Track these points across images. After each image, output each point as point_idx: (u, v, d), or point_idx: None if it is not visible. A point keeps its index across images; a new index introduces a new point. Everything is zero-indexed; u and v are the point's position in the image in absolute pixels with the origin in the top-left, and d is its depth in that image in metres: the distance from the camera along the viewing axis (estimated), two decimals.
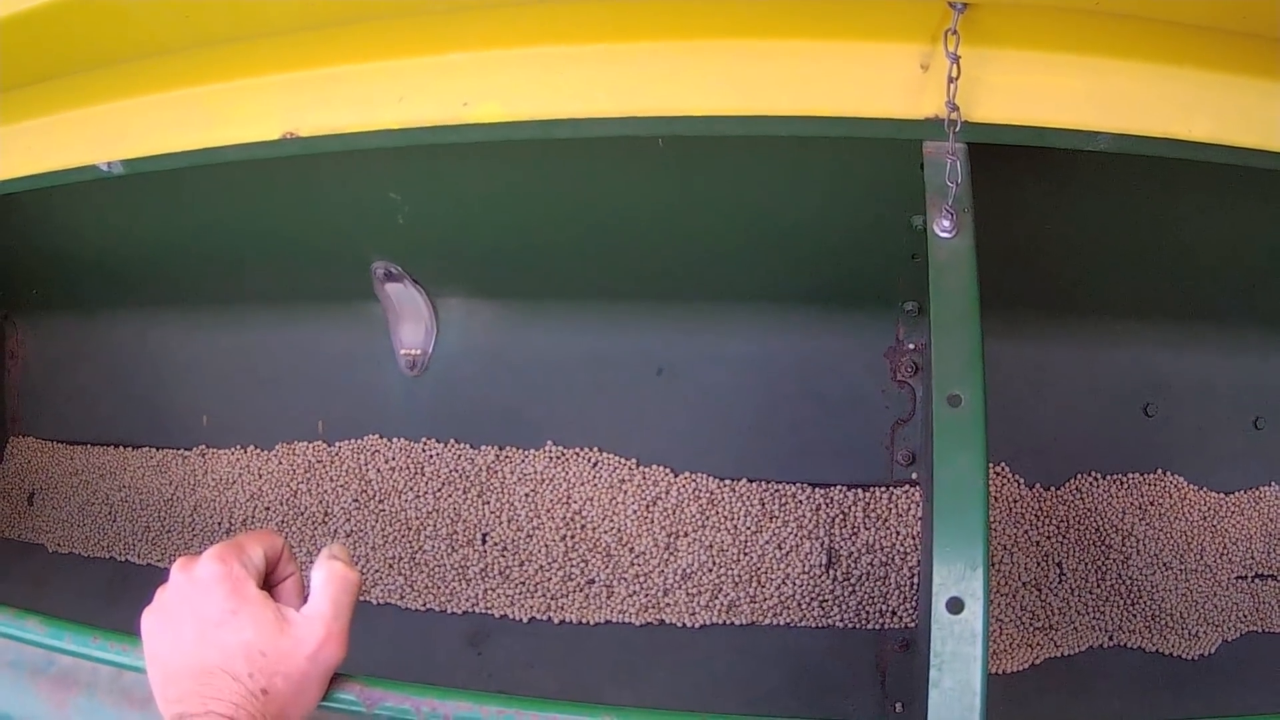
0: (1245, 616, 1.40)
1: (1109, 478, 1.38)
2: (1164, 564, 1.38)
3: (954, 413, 0.92)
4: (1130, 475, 1.39)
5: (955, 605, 0.82)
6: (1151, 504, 1.39)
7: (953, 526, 0.84)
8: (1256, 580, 1.42)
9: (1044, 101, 1.09)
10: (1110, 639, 1.36)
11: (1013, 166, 1.22)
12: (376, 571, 1.40)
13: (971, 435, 0.90)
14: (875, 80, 1.07)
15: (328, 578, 0.71)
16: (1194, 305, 1.40)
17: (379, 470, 1.41)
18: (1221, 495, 1.42)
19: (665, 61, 1.10)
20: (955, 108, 1.02)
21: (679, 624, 1.33)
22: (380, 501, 1.40)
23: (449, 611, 1.37)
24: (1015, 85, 1.08)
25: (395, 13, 1.12)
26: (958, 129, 1.03)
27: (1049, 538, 1.36)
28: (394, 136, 1.14)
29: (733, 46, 1.09)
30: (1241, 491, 1.43)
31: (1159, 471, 1.40)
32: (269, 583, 0.71)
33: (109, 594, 1.53)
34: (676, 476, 1.35)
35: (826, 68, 1.08)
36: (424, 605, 1.38)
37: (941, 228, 1.01)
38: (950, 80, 1.01)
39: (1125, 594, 1.37)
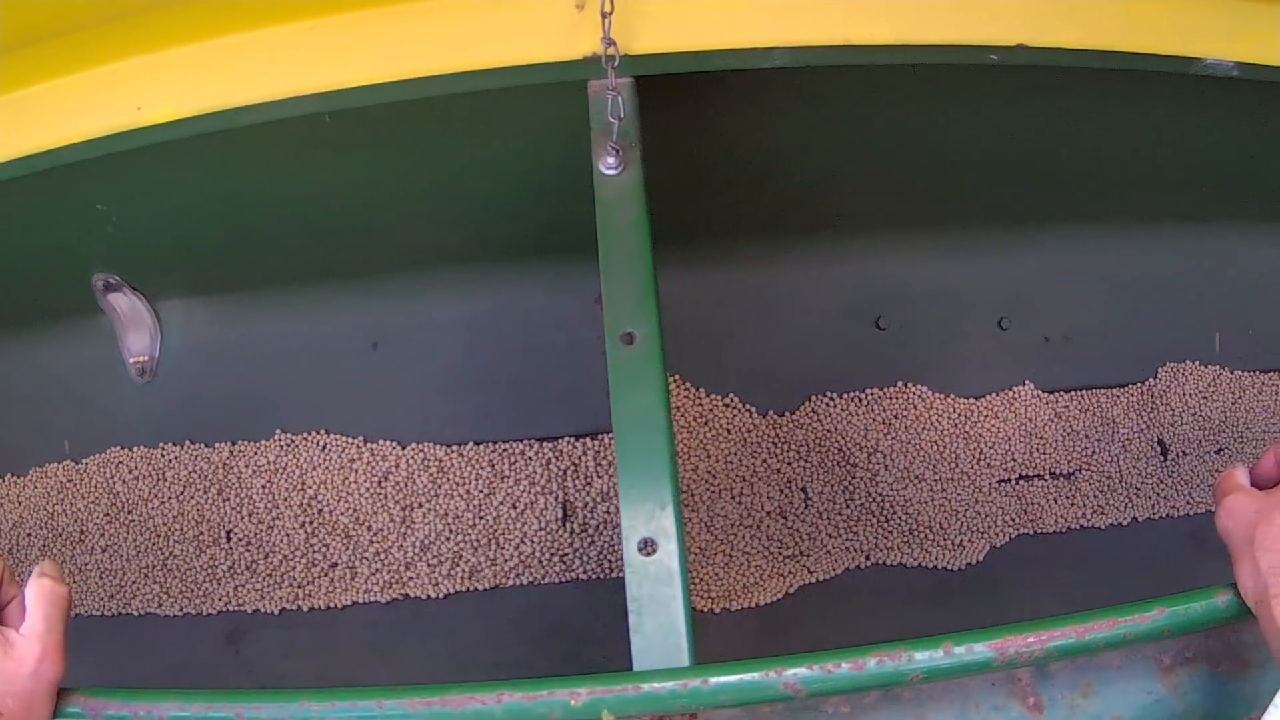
0: (1013, 520, 1.38)
1: (846, 396, 1.36)
2: (916, 477, 1.35)
3: (628, 350, 0.90)
4: (869, 391, 1.36)
5: (648, 546, 0.81)
6: (895, 417, 1.36)
7: (637, 467, 0.82)
8: (1021, 482, 1.39)
9: (710, 24, 1.07)
10: (867, 559, 1.34)
11: (702, 95, 1.20)
12: (134, 583, 1.38)
13: (648, 372, 0.88)
14: (534, 26, 1.06)
15: (37, 595, 0.73)
16: (921, 213, 1.38)
17: (125, 481, 1.40)
18: (971, 400, 1.39)
19: (323, 38, 1.09)
20: (612, 43, 1.01)
21: (424, 596, 1.31)
22: (129, 512, 1.39)
23: (204, 613, 1.36)
24: (677, 12, 1.07)
25: (65, 30, 1.12)
26: (615, 64, 1.01)
27: (789, 464, 1.34)
28: (82, 150, 1.14)
29: (390, 13, 1.08)
30: (994, 394, 1.40)
31: (899, 384, 1.37)
32: None
33: None
34: (404, 449, 1.33)
35: (484, 20, 1.07)
36: (181, 610, 1.36)
37: (607, 165, 1.00)
38: (604, 15, 1.00)
39: (878, 512, 1.34)
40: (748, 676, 0.70)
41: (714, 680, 0.70)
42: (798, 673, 0.70)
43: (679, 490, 0.83)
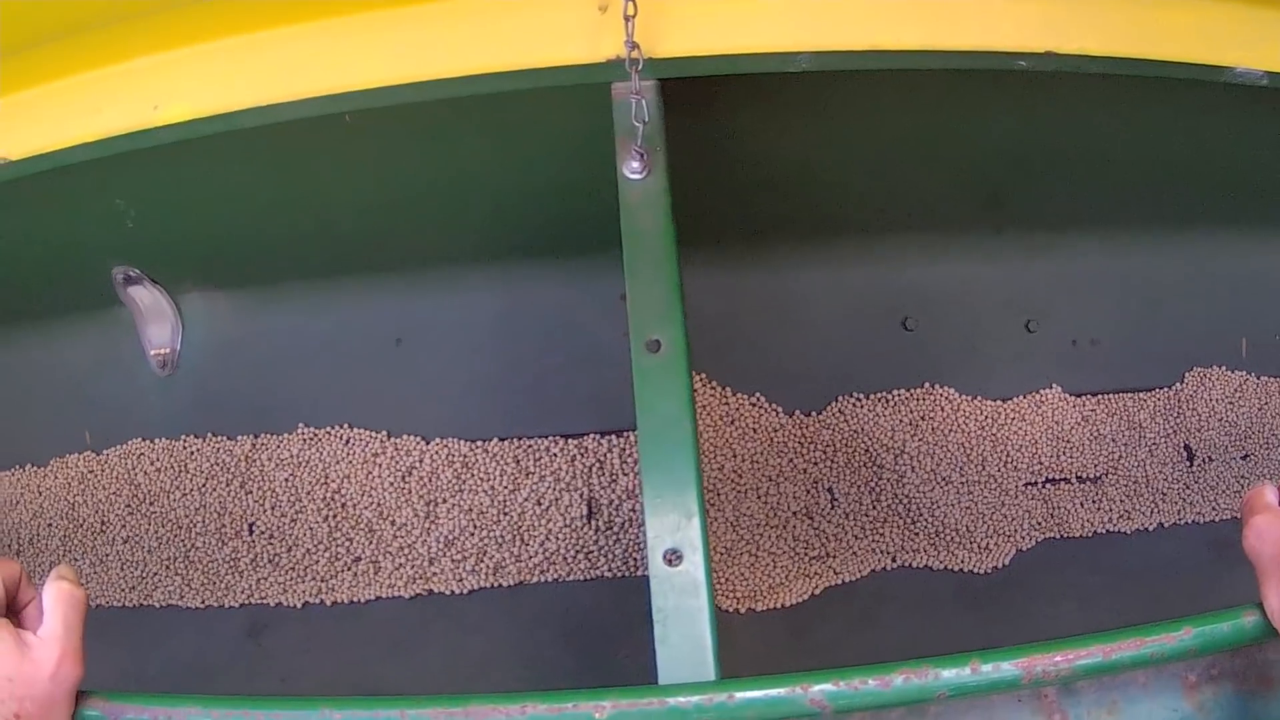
0: (1039, 524, 1.37)
1: (873, 396, 1.35)
2: (943, 479, 1.35)
3: (653, 358, 0.88)
4: (895, 392, 1.36)
5: (673, 557, 0.80)
6: (922, 419, 1.35)
7: (662, 477, 0.81)
8: (1048, 485, 1.38)
9: (735, 28, 1.06)
10: (893, 560, 1.33)
11: (728, 97, 1.19)
12: (155, 575, 1.38)
13: (674, 380, 0.86)
14: (557, 28, 1.04)
15: (55, 598, 0.72)
16: (948, 215, 1.37)
17: (146, 473, 1.39)
18: (999, 403, 1.38)
19: (342, 37, 1.08)
20: (635, 45, 0.99)
21: (447, 592, 1.31)
22: (151, 504, 1.39)
23: (226, 606, 1.35)
24: (701, 15, 1.05)
25: (82, 28, 1.11)
26: (640, 67, 1.00)
27: (815, 464, 1.33)
28: (98, 148, 1.12)
29: (411, 13, 1.06)
30: (1021, 397, 1.39)
31: (926, 385, 1.37)
32: (15, 608, 0.73)
33: None
34: (428, 444, 1.32)
35: (506, 21, 1.05)
36: (203, 603, 1.36)
37: (631, 169, 0.98)
38: (627, 18, 0.98)
39: (904, 513, 1.34)
40: (773, 692, 0.69)
41: (739, 695, 0.69)
42: (824, 689, 0.69)
43: (704, 498, 0.82)
